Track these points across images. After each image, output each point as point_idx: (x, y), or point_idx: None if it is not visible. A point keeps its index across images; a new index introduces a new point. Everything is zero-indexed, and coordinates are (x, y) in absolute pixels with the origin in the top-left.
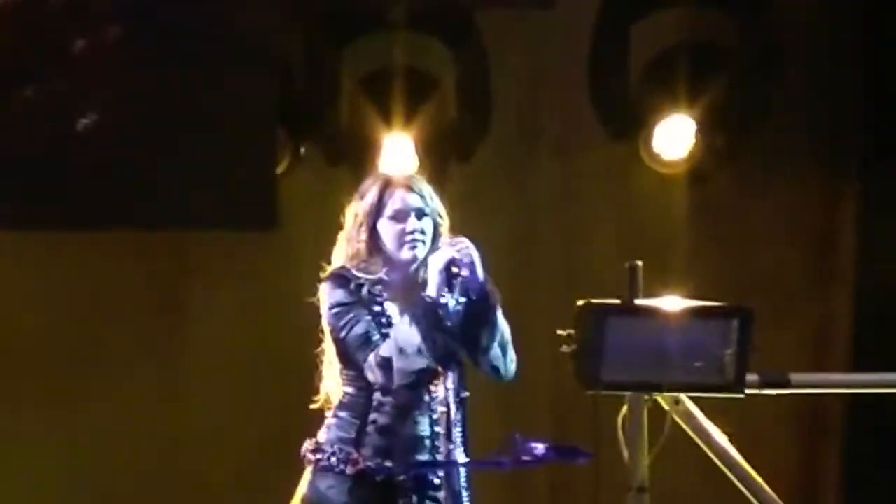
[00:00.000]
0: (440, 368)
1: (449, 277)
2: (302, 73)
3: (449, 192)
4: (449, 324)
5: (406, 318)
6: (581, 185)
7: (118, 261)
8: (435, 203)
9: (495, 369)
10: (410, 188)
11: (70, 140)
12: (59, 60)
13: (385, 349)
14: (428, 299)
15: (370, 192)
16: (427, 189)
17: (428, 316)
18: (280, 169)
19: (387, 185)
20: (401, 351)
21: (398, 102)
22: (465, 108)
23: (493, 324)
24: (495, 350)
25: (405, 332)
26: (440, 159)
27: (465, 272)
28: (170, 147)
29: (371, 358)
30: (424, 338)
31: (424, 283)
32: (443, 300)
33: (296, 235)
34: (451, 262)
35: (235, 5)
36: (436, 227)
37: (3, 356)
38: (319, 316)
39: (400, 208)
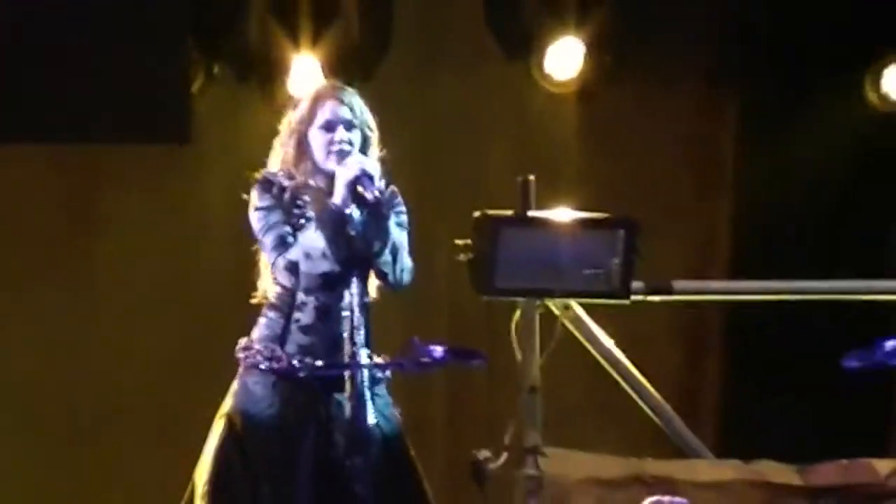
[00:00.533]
0: (341, 272)
1: (354, 192)
2: None
3: None
4: (353, 232)
5: (313, 224)
6: (478, 103)
7: (32, 174)
8: (365, 116)
9: (383, 275)
10: (341, 100)
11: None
12: None
13: (293, 253)
14: (333, 207)
15: (304, 102)
16: (358, 102)
17: (334, 222)
18: (194, 87)
19: (319, 97)
20: (307, 255)
21: (305, 24)
22: (367, 30)
23: (385, 233)
24: (385, 256)
25: (311, 238)
26: (345, 78)
27: (368, 194)
28: (84, 62)
29: (279, 261)
30: (329, 242)
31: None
32: (347, 210)
33: (207, 150)
34: (357, 179)
35: None
36: (365, 139)
37: None
38: (232, 226)
39: (329, 119)
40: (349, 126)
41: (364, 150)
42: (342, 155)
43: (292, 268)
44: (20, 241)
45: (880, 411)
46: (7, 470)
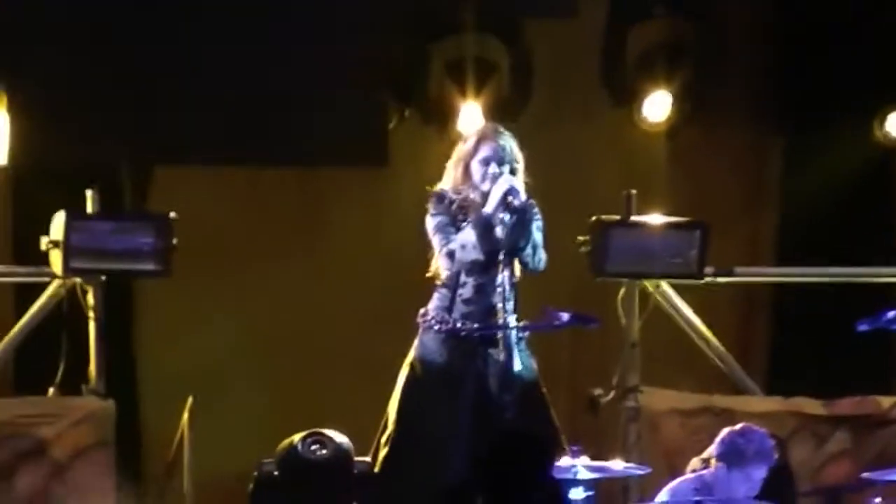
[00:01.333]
0: (487, 261)
1: (505, 202)
2: (406, 60)
3: None
4: (501, 232)
5: (469, 225)
6: (594, 138)
7: (275, 189)
8: (514, 153)
9: (525, 263)
10: (498, 141)
11: (254, 100)
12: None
13: (453, 244)
14: (484, 213)
15: (471, 139)
16: (510, 142)
17: (483, 224)
18: (391, 126)
19: (482, 137)
20: (462, 247)
21: (470, 80)
22: (514, 85)
23: (528, 233)
24: (528, 250)
25: (467, 234)
26: (496, 121)
27: (515, 202)
28: (315, 107)
29: (444, 249)
30: (479, 238)
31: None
32: (500, 216)
33: (400, 172)
34: (507, 192)
35: (361, 18)
36: (513, 170)
37: (202, 258)
38: (418, 226)
39: (488, 155)
40: (501, 162)
41: (513, 177)
42: (494, 181)
43: (451, 255)
44: (271, 233)
45: (884, 361)
46: (246, 402)
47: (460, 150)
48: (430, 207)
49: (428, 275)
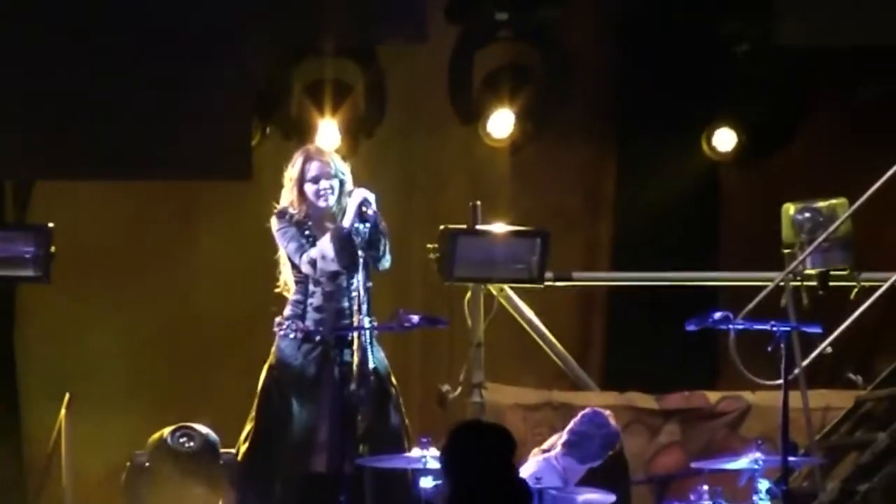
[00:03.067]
0: (347, 269)
1: (360, 212)
2: (268, 81)
3: (359, 155)
4: (359, 239)
5: (327, 237)
6: (443, 154)
7: (147, 200)
8: (340, 167)
9: (376, 266)
10: (322, 159)
11: (126, 118)
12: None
13: (313, 252)
14: (343, 227)
15: (297, 162)
16: (335, 158)
17: (342, 238)
18: (254, 141)
19: (307, 159)
20: (322, 257)
21: (328, 99)
22: (369, 104)
23: (384, 240)
24: (382, 254)
25: (325, 246)
26: (353, 136)
27: (370, 210)
28: (181, 123)
29: (304, 258)
30: (337, 252)
31: (338, 216)
32: (357, 226)
33: (262, 186)
34: (362, 203)
35: (227, 41)
36: (341, 183)
37: (80, 266)
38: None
39: (315, 174)
40: (329, 177)
41: (342, 189)
42: (326, 198)
43: (312, 263)
44: (144, 242)
45: (711, 359)
46: (121, 400)
47: (290, 173)
48: (276, 223)
49: (276, 289)
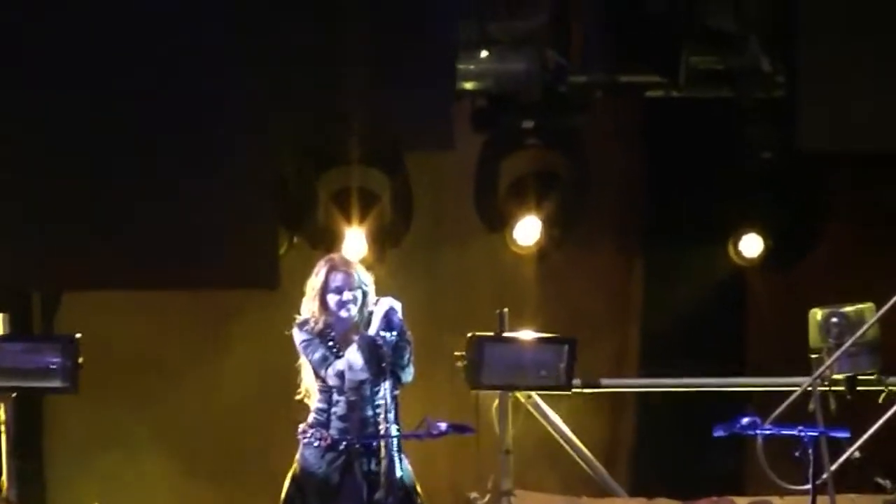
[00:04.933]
0: (374, 379)
1: (388, 321)
2: (295, 190)
3: (385, 265)
4: (385, 349)
5: (354, 347)
6: (469, 261)
7: (175, 309)
8: (363, 277)
9: (398, 378)
10: (346, 270)
11: (156, 229)
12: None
13: (339, 364)
14: (368, 336)
15: (320, 273)
16: (358, 269)
17: (369, 346)
18: (281, 251)
19: (330, 269)
20: (350, 367)
21: (354, 209)
22: (396, 214)
23: (409, 350)
24: (408, 367)
25: (353, 356)
26: (379, 246)
27: (395, 318)
28: (221, 239)
29: (330, 370)
30: (366, 361)
31: (361, 326)
32: (383, 334)
33: (289, 294)
34: (388, 311)
35: (252, 150)
36: (364, 294)
37: (107, 374)
38: None
39: (339, 285)
40: (352, 287)
41: (365, 301)
42: (349, 309)
43: (340, 375)
44: (172, 350)
45: (739, 464)
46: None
47: (312, 283)
48: (298, 335)
49: (298, 397)
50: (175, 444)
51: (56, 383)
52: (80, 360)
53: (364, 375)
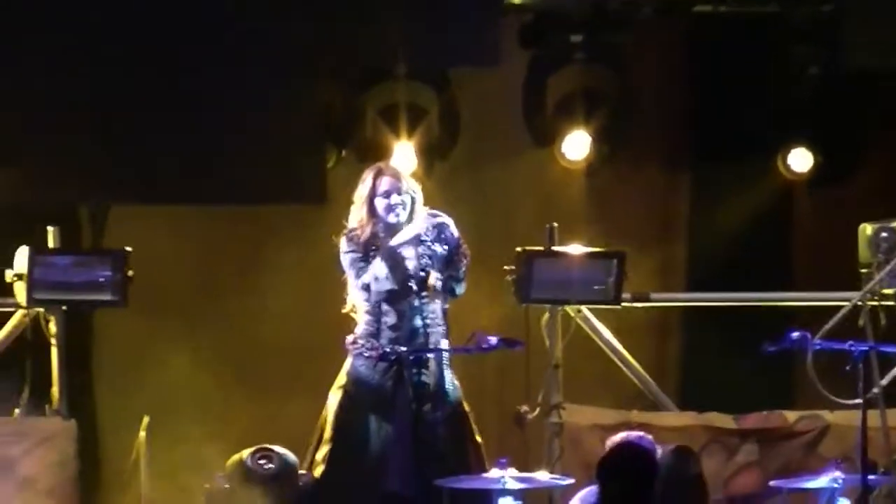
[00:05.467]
0: (401, 290)
1: (441, 235)
2: (342, 106)
3: (433, 179)
4: (434, 262)
5: (378, 258)
6: (517, 175)
7: (221, 224)
8: (410, 184)
9: (452, 290)
10: (394, 175)
11: (202, 143)
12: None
13: (365, 278)
14: (390, 246)
15: (368, 178)
16: (404, 175)
17: (390, 257)
18: (329, 164)
19: (378, 174)
20: (375, 279)
21: (402, 123)
22: (443, 127)
23: (464, 263)
24: (458, 282)
25: (377, 267)
26: (428, 159)
27: (447, 234)
28: (258, 150)
29: (359, 282)
30: (390, 269)
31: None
32: (433, 247)
33: (337, 207)
34: (441, 226)
35: (299, 66)
36: (412, 200)
37: (156, 290)
38: None
39: (387, 189)
40: (400, 192)
41: (413, 208)
42: (398, 213)
43: (366, 287)
44: (218, 267)
45: (788, 379)
46: (197, 422)
47: (360, 190)
48: (343, 246)
49: (344, 310)
50: (223, 359)
51: (106, 297)
52: (130, 273)
53: (388, 286)
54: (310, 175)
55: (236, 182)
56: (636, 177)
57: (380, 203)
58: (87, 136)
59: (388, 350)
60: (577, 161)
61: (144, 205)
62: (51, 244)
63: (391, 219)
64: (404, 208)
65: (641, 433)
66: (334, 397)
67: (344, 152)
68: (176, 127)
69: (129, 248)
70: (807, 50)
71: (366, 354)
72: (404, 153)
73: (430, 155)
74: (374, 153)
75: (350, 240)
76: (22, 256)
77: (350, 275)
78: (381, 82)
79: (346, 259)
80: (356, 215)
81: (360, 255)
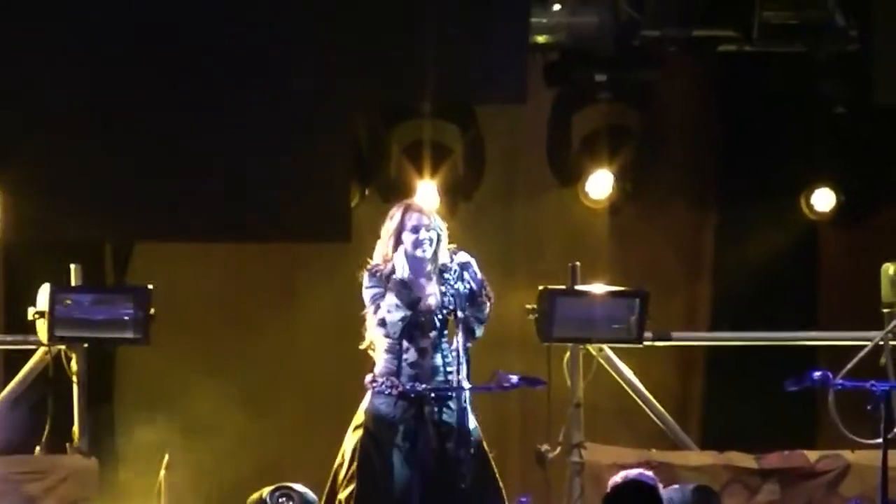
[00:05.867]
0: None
1: (466, 275)
2: (367, 144)
3: (457, 219)
4: (458, 300)
5: (391, 294)
6: (541, 215)
7: (246, 261)
8: (437, 221)
9: (472, 331)
10: (421, 212)
11: (228, 181)
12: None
13: (381, 312)
14: (399, 281)
15: (396, 214)
16: (432, 212)
17: (397, 285)
18: (353, 203)
19: (407, 210)
20: (388, 311)
21: (426, 161)
22: (468, 167)
23: (488, 304)
24: (478, 326)
25: (388, 299)
26: (452, 199)
27: (469, 273)
28: (284, 188)
29: (377, 318)
30: (397, 296)
31: (434, 273)
32: (456, 286)
33: (361, 246)
34: (466, 265)
35: (325, 104)
36: (438, 237)
37: (179, 325)
38: None
39: (415, 224)
40: (428, 228)
41: (439, 245)
42: (424, 248)
43: (382, 322)
44: (242, 303)
45: (810, 418)
46: (220, 459)
47: (388, 225)
48: (365, 281)
49: (361, 346)
50: (247, 396)
51: (128, 334)
52: (152, 311)
53: (401, 313)
54: (335, 213)
55: (262, 219)
56: (660, 215)
57: (407, 238)
58: (111, 173)
59: (407, 387)
60: (600, 200)
61: (168, 242)
62: (73, 282)
63: (417, 253)
64: (431, 244)
65: (640, 470)
66: (353, 437)
67: (367, 191)
68: (202, 164)
69: (151, 286)
70: (833, 88)
71: (385, 392)
72: (428, 192)
73: (455, 193)
74: (398, 191)
75: (373, 275)
76: (44, 294)
77: (370, 310)
78: (406, 120)
79: (366, 294)
80: (381, 250)
81: (381, 290)
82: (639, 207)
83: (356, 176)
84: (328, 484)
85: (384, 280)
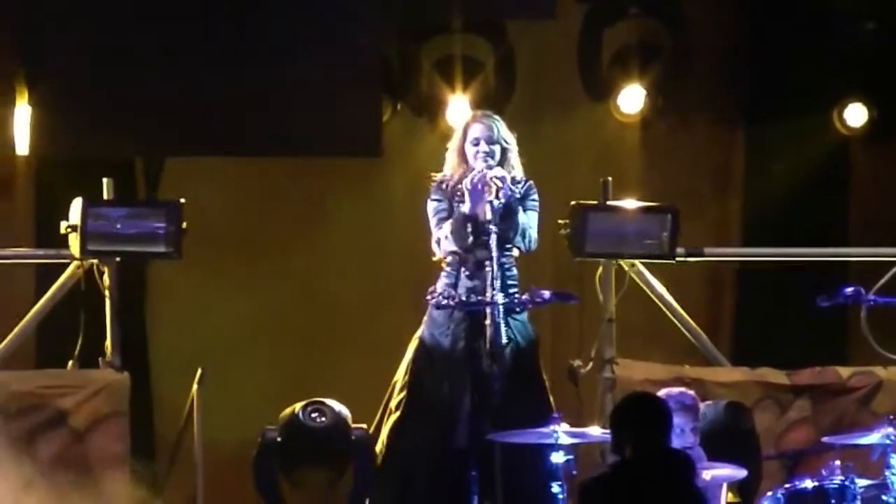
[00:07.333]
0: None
1: (477, 194)
2: (397, 59)
3: None
4: (489, 216)
5: (450, 220)
6: (572, 130)
7: (277, 177)
8: (502, 133)
9: (518, 247)
10: (485, 122)
11: (258, 97)
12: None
13: (440, 233)
14: (462, 213)
15: (462, 125)
16: (497, 124)
17: (458, 222)
18: (385, 118)
19: (472, 120)
20: (445, 237)
21: (457, 77)
22: (499, 80)
23: (515, 224)
24: (517, 239)
25: (447, 226)
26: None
27: (498, 187)
28: (324, 107)
29: (435, 236)
30: (453, 234)
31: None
32: (492, 201)
33: (392, 161)
34: (477, 184)
35: (355, 19)
36: (503, 150)
37: (211, 243)
38: (409, 209)
39: (476, 136)
40: (490, 141)
41: (504, 158)
42: (486, 160)
43: (438, 242)
44: (273, 220)
45: (842, 334)
46: (251, 375)
47: (454, 137)
48: (431, 193)
49: (435, 258)
50: (278, 312)
51: (160, 248)
52: (184, 225)
53: (451, 247)
54: (366, 128)
55: (293, 135)
56: (691, 131)
57: (469, 150)
58: (139, 90)
59: (464, 299)
60: (631, 115)
61: (199, 157)
62: (105, 196)
63: (478, 166)
64: (493, 157)
65: (683, 388)
66: (411, 348)
67: (399, 106)
68: (230, 79)
69: (182, 200)
70: (863, 4)
71: (443, 303)
72: (460, 106)
73: (485, 108)
74: (430, 107)
75: (438, 187)
76: (76, 208)
77: (432, 223)
78: (437, 35)
79: (430, 206)
80: (448, 163)
81: (444, 205)
82: (669, 123)
83: (387, 91)
84: (388, 392)
85: (449, 192)
